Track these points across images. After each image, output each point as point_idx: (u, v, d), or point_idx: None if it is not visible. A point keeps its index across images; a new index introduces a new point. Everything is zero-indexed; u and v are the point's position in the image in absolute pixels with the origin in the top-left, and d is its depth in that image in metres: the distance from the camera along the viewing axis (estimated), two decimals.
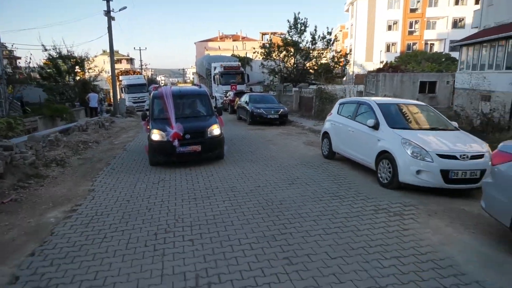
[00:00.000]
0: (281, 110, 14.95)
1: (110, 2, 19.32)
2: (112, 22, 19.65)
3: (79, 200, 5.41)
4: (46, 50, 19.20)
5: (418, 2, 41.93)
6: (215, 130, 7.92)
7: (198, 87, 9.82)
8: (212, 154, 7.95)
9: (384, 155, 5.77)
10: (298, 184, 6.08)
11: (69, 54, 19.81)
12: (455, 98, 18.09)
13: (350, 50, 34.44)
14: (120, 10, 20.20)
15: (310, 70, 26.27)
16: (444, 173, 5.05)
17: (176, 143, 7.40)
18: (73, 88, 19.38)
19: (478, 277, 3.18)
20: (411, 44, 43.07)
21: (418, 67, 28.29)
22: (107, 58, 46.60)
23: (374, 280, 3.14)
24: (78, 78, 20.13)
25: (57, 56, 19.33)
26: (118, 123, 16.20)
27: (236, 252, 3.67)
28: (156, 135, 7.55)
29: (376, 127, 6.15)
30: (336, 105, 8.30)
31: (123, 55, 75.47)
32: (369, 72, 28.81)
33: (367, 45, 44.13)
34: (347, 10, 48.94)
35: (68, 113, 14.34)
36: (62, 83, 19.11)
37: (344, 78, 48.71)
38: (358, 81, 34.88)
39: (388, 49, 43.76)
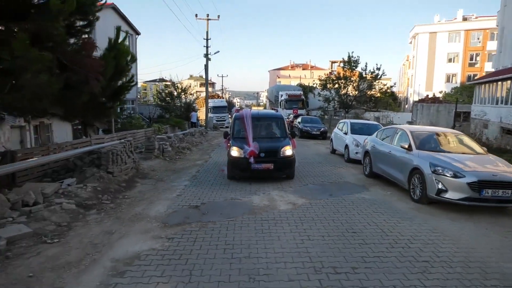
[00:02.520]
0: (322, 128, 21.28)
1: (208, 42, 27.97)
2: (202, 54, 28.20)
3: (202, 164, 12.40)
4: (163, 81, 28.46)
5: (478, 37, 44.61)
6: (287, 151, 8.66)
7: (275, 111, 11.36)
8: (283, 173, 8.82)
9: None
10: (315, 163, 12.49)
11: (179, 83, 28.91)
12: (470, 126, 22.45)
13: (392, 85, 38.06)
14: (215, 53, 28.76)
15: (358, 100, 32.00)
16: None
17: (252, 160, 8.28)
18: (180, 108, 28.23)
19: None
20: (472, 75, 45.50)
21: (465, 98, 32.04)
22: (193, 82, 57.44)
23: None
24: (183, 101, 29.02)
25: (171, 85, 28.51)
26: (210, 134, 24.07)
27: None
28: (235, 152, 8.54)
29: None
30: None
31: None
32: (415, 102, 33.36)
33: (427, 75, 47.67)
34: (410, 42, 52.98)
35: (182, 125, 22.66)
36: (173, 104, 28.07)
37: (406, 106, 52.47)
38: None
39: (448, 79, 46.71)
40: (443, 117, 27.93)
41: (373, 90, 32.54)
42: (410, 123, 27.77)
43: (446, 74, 46.88)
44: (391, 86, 33.41)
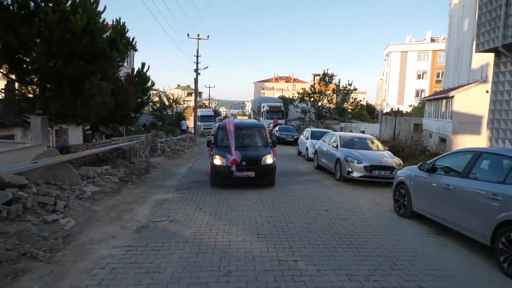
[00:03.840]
0: (295, 136, 25.18)
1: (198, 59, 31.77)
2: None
3: (194, 161, 16.09)
4: (158, 92, 32.09)
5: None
6: (268, 159, 9.15)
7: (257, 121, 11.82)
8: (264, 180, 9.28)
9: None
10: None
11: (171, 94, 32.56)
12: (423, 136, 26.83)
13: (361, 100, 42.04)
14: (204, 69, 32.56)
15: (332, 112, 36.29)
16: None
17: (234, 168, 8.72)
18: (171, 117, 31.83)
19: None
20: (438, 91, 50.60)
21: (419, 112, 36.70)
22: (180, 92, 61.04)
23: None
24: (175, 110, 32.67)
25: (164, 96, 32.12)
26: (198, 139, 27.66)
27: None
28: (218, 160, 8.98)
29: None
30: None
31: (193, 89, 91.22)
32: (382, 114, 37.85)
33: (399, 90, 52.69)
34: (385, 60, 58.15)
35: (174, 131, 26.28)
36: (165, 114, 31.67)
37: (379, 118, 57.19)
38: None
39: (417, 94, 51.75)
40: (404, 128, 32.33)
41: (346, 103, 36.92)
42: (362, 132, 31.88)
43: (415, 89, 51.96)
44: (360, 101, 37.75)
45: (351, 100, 36.46)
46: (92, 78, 8.63)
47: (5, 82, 11.76)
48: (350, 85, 36.31)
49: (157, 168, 12.69)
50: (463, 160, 5.52)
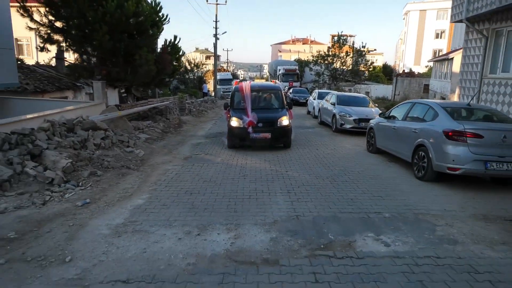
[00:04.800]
0: (307, 97, 27.47)
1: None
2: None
3: (217, 119, 18.94)
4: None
5: None
6: (284, 121, 9.38)
7: (273, 83, 12.23)
8: (280, 142, 9.59)
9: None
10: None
11: (193, 59, 35.00)
12: (428, 95, 28.62)
13: (374, 61, 42.56)
14: (222, 34, 34.62)
15: (345, 73, 37.99)
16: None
17: (250, 129, 9.03)
18: (193, 81, 34.51)
19: None
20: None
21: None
22: (199, 55, 63.18)
23: None
24: (196, 74, 35.27)
25: (186, 60, 34.61)
26: (218, 102, 30.42)
27: None
28: (234, 122, 9.31)
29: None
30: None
31: (212, 52, 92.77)
32: (395, 76, 39.26)
33: (416, 51, 53.04)
34: (403, 19, 57.82)
35: (196, 94, 29.08)
36: (187, 78, 34.34)
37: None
38: None
39: (435, 54, 51.97)
40: (413, 89, 33.99)
41: (361, 65, 38.42)
42: (367, 93, 33.71)
43: (433, 49, 52.11)
44: (373, 62, 39.09)
45: (364, 62, 37.87)
46: (140, 51, 11.38)
47: (69, 54, 14.71)
48: (364, 47, 37.64)
49: (187, 123, 15.63)
50: (405, 109, 8.09)
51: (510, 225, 4.73)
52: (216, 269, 3.50)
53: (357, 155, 9.29)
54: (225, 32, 33.85)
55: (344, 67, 37.57)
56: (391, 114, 8.64)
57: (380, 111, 13.31)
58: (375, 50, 76.38)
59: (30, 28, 11.71)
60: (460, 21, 11.51)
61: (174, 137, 11.99)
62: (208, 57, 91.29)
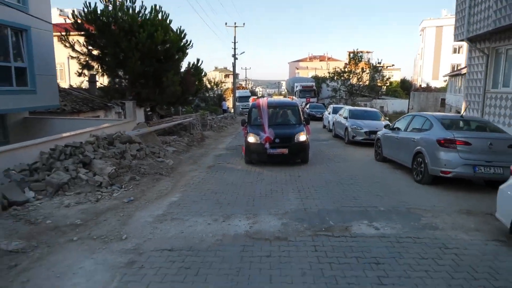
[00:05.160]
0: (324, 112, 28.50)
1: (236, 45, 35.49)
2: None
3: (236, 134, 20.15)
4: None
5: None
6: (301, 137, 9.51)
7: (290, 100, 12.48)
8: (297, 157, 9.72)
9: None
10: None
11: (213, 79, 36.78)
12: (444, 109, 29.04)
13: (389, 77, 43.40)
14: (241, 54, 36.30)
15: (361, 89, 38.83)
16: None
17: (267, 145, 9.19)
18: (213, 99, 36.15)
19: None
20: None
21: None
22: (218, 74, 65.42)
23: None
24: (216, 92, 36.96)
25: (206, 80, 36.40)
26: (238, 118, 31.74)
27: None
28: (251, 138, 9.49)
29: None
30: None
31: (231, 71, 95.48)
32: (412, 90, 39.76)
33: (434, 66, 53.37)
34: (420, 35, 58.44)
35: (217, 111, 30.57)
36: (208, 96, 36.02)
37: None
38: None
39: (453, 69, 52.13)
40: (431, 103, 34.40)
41: (377, 80, 39.22)
42: (381, 108, 34.19)
43: (451, 64, 52.29)
44: (388, 78, 39.81)
45: (380, 77, 38.66)
46: (167, 74, 12.77)
47: (99, 77, 16.37)
48: (379, 63, 38.48)
49: (209, 138, 16.87)
50: (407, 121, 8.99)
51: (489, 218, 5.53)
52: (238, 243, 4.53)
53: (365, 163, 10.17)
54: (243, 52, 35.75)
55: (361, 83, 38.41)
56: (395, 126, 9.54)
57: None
58: (393, 65, 76.87)
59: (72, 57, 13.33)
60: (462, 40, 12.38)
61: (198, 149, 13.19)
62: (227, 76, 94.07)
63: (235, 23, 35.15)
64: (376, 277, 3.67)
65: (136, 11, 13.16)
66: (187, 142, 14.38)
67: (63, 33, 12.94)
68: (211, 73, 55.84)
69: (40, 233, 4.82)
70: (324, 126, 21.51)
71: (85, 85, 23.18)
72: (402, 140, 8.74)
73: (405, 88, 59.37)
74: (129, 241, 4.62)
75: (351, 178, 8.23)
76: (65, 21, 31.13)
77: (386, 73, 42.77)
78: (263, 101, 10.63)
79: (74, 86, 23.11)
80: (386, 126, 9.99)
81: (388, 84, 41.18)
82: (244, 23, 36.15)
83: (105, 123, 12.90)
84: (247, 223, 5.23)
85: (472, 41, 12.30)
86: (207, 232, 4.87)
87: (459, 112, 24.28)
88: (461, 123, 7.88)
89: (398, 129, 9.30)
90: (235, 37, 35.32)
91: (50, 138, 8.60)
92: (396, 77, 60.96)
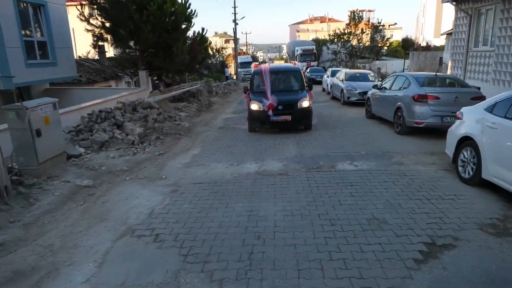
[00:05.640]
0: (323, 75, 29.56)
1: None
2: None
3: (241, 99, 21.42)
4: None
5: None
6: (304, 103, 9.47)
7: (293, 65, 12.22)
8: (301, 124, 9.77)
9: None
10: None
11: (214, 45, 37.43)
12: (442, 68, 29.90)
13: (389, 36, 43.75)
14: (241, 18, 36.76)
15: (361, 50, 39.42)
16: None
17: (270, 112, 9.21)
18: (216, 66, 37.04)
19: None
20: None
21: None
22: (218, 39, 65.39)
23: None
24: (219, 59, 37.77)
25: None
26: (240, 84, 32.86)
27: None
28: (254, 105, 9.50)
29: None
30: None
31: (231, 36, 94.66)
32: (410, 50, 40.23)
33: (436, 23, 53.07)
34: None
35: (220, 78, 31.67)
36: (210, 62, 36.87)
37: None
38: None
39: None
40: (429, 62, 35.10)
41: (377, 40, 39.67)
42: (379, 69, 35.03)
43: (452, 21, 52.04)
44: (388, 38, 40.20)
45: (379, 38, 39.10)
46: (176, 43, 13.97)
47: (111, 49, 17.50)
48: (379, 23, 38.77)
49: (216, 103, 18.25)
50: (392, 80, 10.32)
51: (445, 156, 7.01)
52: (250, 177, 6.11)
53: (357, 120, 11.62)
54: (244, 17, 36.98)
55: (361, 44, 38.94)
56: (382, 86, 10.88)
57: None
58: (395, 24, 75.95)
59: (87, 30, 14.47)
60: (448, 1, 13.36)
61: (207, 114, 14.65)
62: (227, 41, 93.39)
63: None
64: (349, 192, 5.24)
65: None
66: (197, 107, 15.79)
67: (78, 6, 14.02)
68: (211, 39, 56.02)
69: (100, 175, 6.41)
70: (324, 89, 22.70)
71: (92, 55, 24.31)
72: (386, 98, 10.12)
73: (407, 47, 59.44)
74: (168, 179, 6.20)
75: (342, 132, 9.72)
76: None
77: (387, 32, 43.04)
78: (265, 67, 10.50)
79: (82, 56, 24.21)
80: (374, 86, 11.32)
81: (388, 45, 41.59)
82: None
83: (123, 92, 14.30)
84: (256, 165, 6.80)
85: (457, 2, 13.28)
86: (226, 172, 6.45)
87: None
88: (435, 81, 9.21)
89: (385, 88, 10.64)
90: (234, 1, 35.61)
91: (87, 104, 10.09)
92: (397, 36, 60.71)
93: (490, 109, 5.23)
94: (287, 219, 4.43)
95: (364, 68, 30.57)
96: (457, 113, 6.17)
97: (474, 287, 3.05)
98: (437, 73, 9.72)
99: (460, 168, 5.66)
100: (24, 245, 4.03)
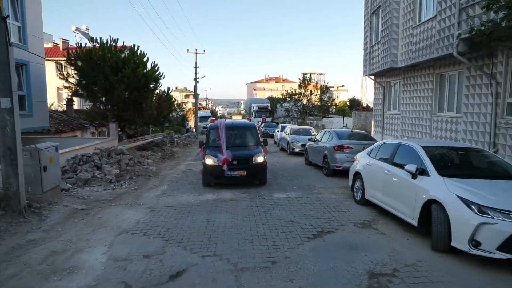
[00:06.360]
0: (275, 129, 32.94)
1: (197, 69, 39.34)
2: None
3: (198, 148, 23.79)
4: None
5: None
6: (259, 158, 9.85)
7: (249, 121, 12.66)
8: (255, 179, 10.02)
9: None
10: None
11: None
12: None
13: (333, 98, 49.81)
14: (202, 77, 40.25)
15: (311, 108, 44.09)
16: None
17: (225, 167, 9.44)
18: (176, 119, 39.52)
19: None
20: None
21: None
22: (178, 94, 68.58)
23: None
24: (180, 113, 40.36)
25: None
26: (200, 136, 35.34)
27: None
28: (209, 160, 9.75)
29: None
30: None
31: (191, 91, 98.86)
32: (353, 110, 45.56)
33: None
34: None
35: (180, 130, 34.02)
36: (172, 116, 39.32)
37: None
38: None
39: None
40: (368, 120, 40.06)
41: (325, 101, 44.64)
42: (323, 126, 39.63)
43: (373, 91, 59.68)
44: (333, 99, 45.60)
45: (326, 98, 44.20)
46: (146, 100, 16.34)
47: (79, 101, 19.43)
48: (326, 85, 44.03)
49: (177, 153, 20.39)
50: (322, 135, 13.26)
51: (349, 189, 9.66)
52: (209, 202, 8.29)
53: (297, 166, 14.32)
54: (204, 76, 40.77)
55: (310, 103, 43.62)
56: (315, 139, 13.80)
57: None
58: (343, 86, 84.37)
59: (65, 87, 16.53)
60: (367, 75, 17.19)
61: (170, 161, 16.72)
62: (187, 96, 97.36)
63: (196, 49, 39.18)
64: (278, 209, 7.60)
65: (119, 50, 16.75)
66: (161, 156, 17.85)
67: (58, 65, 16.14)
68: (172, 94, 59.11)
69: (90, 202, 8.27)
70: (275, 142, 25.75)
71: (55, 106, 25.92)
72: (317, 148, 12.98)
73: (354, 106, 66.24)
74: (146, 205, 8.20)
75: (284, 174, 12.27)
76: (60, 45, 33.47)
77: (335, 93, 48.52)
78: (221, 123, 10.75)
79: (51, 108, 25.73)
80: (309, 139, 14.23)
81: (333, 105, 46.86)
82: (204, 50, 40.32)
83: (95, 140, 16.13)
84: (214, 195, 9.01)
85: (375, 76, 17.13)
86: (190, 200, 8.59)
87: None
88: (351, 135, 12.23)
89: (318, 140, 13.55)
90: (196, 62, 39.29)
91: (66, 150, 11.87)
92: (343, 97, 67.60)
93: (369, 153, 8.02)
94: (233, 223, 6.66)
95: (311, 124, 34.50)
96: (354, 157, 8.94)
97: (338, 249, 5.39)
98: (353, 130, 12.82)
99: (354, 194, 8.29)
100: (50, 241, 5.86)
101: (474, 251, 4.55)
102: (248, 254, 5.16)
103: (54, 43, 36.30)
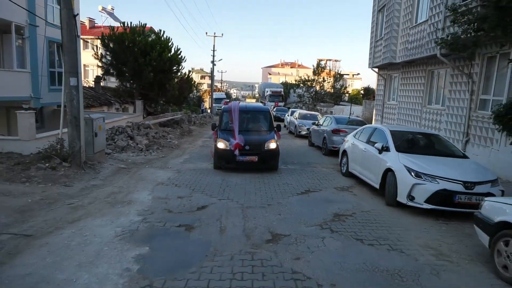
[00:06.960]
0: (286, 114, 34.77)
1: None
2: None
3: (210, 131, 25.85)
4: None
5: None
6: (272, 144, 9.78)
7: (263, 105, 12.94)
8: (267, 165, 9.98)
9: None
10: None
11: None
12: None
13: (346, 86, 51.25)
14: (219, 60, 42.04)
15: (323, 95, 45.56)
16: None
17: (237, 152, 9.41)
18: (193, 100, 41.64)
19: None
20: None
21: None
22: (194, 75, 70.54)
23: None
24: (196, 94, 42.44)
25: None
26: (215, 117, 37.43)
27: None
28: (221, 144, 9.72)
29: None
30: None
31: (207, 73, 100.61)
32: (363, 98, 46.85)
33: None
34: None
35: (197, 110, 36.17)
36: (189, 97, 41.46)
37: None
38: None
39: None
40: None
41: (337, 88, 46.01)
42: (331, 112, 41.12)
43: (376, 82, 60.37)
44: (345, 87, 46.87)
45: (339, 86, 45.57)
46: (170, 82, 18.37)
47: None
48: (339, 73, 45.32)
49: (195, 130, 22.52)
50: (324, 119, 15.13)
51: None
52: (223, 169, 10.35)
53: (301, 147, 16.26)
54: (221, 59, 41.83)
55: (323, 90, 45.07)
56: (318, 123, 15.67)
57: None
58: (358, 74, 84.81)
59: (98, 66, 18.67)
60: (371, 68, 18.82)
61: (189, 137, 18.87)
62: (203, 77, 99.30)
63: (214, 33, 40.88)
64: (278, 176, 9.63)
65: (146, 34, 18.75)
66: (180, 132, 19.98)
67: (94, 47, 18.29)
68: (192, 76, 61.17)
69: (129, 164, 10.45)
70: (285, 126, 27.65)
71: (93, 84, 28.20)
72: (319, 131, 14.88)
73: (368, 95, 67.27)
74: (173, 168, 10.32)
75: (288, 153, 14.26)
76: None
77: (348, 81, 49.74)
78: (235, 105, 10.64)
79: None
80: (313, 123, 16.11)
81: (345, 93, 48.15)
82: (222, 34, 41.99)
83: (124, 115, 18.37)
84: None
85: (378, 68, 18.75)
86: (208, 166, 10.68)
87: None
88: (348, 121, 14.07)
89: (320, 124, 15.42)
90: (214, 45, 41.03)
91: (107, 121, 14.08)
92: (357, 85, 68.48)
93: (354, 135, 9.93)
94: (242, 181, 8.75)
95: (321, 111, 36.19)
96: (344, 138, 10.85)
97: (317, 201, 7.40)
98: (350, 117, 14.65)
99: (341, 168, 10.26)
100: (107, 186, 8.03)
101: (410, 203, 6.52)
102: (252, 199, 7.24)
103: (81, 21, 38.45)
